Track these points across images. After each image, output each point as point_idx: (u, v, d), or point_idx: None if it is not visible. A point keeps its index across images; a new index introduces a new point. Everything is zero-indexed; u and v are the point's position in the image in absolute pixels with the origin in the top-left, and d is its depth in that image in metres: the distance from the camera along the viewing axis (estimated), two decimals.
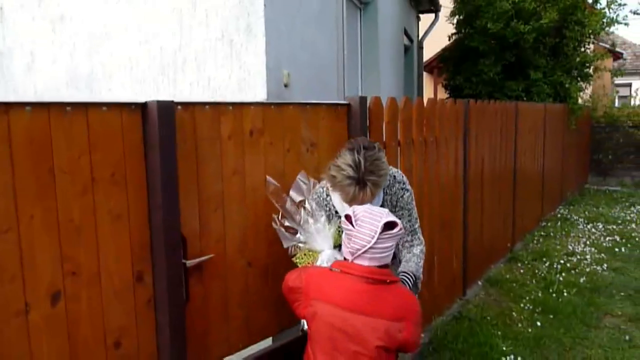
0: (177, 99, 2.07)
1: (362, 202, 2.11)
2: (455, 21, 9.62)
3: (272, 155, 2.47)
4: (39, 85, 3.56)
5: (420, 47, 12.75)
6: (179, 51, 3.14)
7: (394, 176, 2.43)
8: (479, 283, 4.96)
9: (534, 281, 5.08)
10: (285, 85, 3.25)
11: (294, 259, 2.35)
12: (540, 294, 4.72)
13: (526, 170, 6.52)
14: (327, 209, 2.37)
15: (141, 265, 2.00)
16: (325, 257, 2.25)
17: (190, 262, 2.12)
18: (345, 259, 2.02)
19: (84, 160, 1.82)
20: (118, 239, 1.92)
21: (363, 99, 2.89)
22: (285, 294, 2.17)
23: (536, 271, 5.36)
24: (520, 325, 4.10)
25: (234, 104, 2.30)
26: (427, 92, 15.85)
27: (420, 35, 12.69)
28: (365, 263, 1.93)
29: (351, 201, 2.13)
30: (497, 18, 8.12)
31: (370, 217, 1.95)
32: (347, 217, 1.99)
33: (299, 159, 2.62)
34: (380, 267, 1.95)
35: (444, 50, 10.21)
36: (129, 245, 1.96)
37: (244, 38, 2.98)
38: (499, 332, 3.91)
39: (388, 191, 2.40)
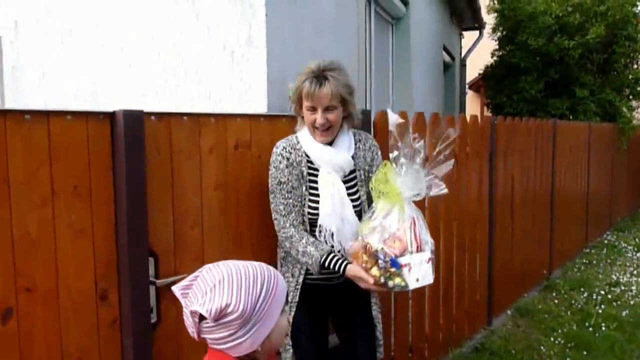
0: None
1: (319, 101, 2.03)
2: (497, 37, 9.31)
3: (260, 170, 2.34)
4: (48, 99, 3.59)
5: (463, 65, 12.48)
6: (181, 63, 3.08)
7: (366, 133, 2.35)
8: (508, 312, 4.64)
9: (569, 313, 4.71)
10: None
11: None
12: (575, 327, 4.36)
13: (566, 192, 6.13)
14: (299, 161, 2.13)
15: (106, 284, 1.90)
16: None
17: (161, 282, 2.00)
18: None
19: (43, 171, 1.74)
20: (80, 255, 1.83)
21: (366, 113, 2.74)
22: None
23: (573, 302, 4.98)
24: None
25: (216, 115, 2.19)
26: (473, 111, 15.47)
27: (464, 52, 12.45)
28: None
29: (307, 97, 2.05)
30: (539, 33, 7.79)
31: (196, 289, 1.29)
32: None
33: None
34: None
35: (486, 67, 9.88)
36: (93, 261, 1.86)
37: (245, 49, 2.89)
38: None
39: (361, 146, 2.25)
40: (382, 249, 1.95)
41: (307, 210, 2.15)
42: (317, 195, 2.14)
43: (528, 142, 4.96)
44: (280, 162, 2.13)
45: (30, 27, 3.64)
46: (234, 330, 1.25)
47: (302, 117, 2.16)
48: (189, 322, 1.28)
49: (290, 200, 2.14)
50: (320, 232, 2.12)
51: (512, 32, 8.57)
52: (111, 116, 1.88)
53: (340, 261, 2.07)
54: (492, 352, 3.83)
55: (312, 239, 2.12)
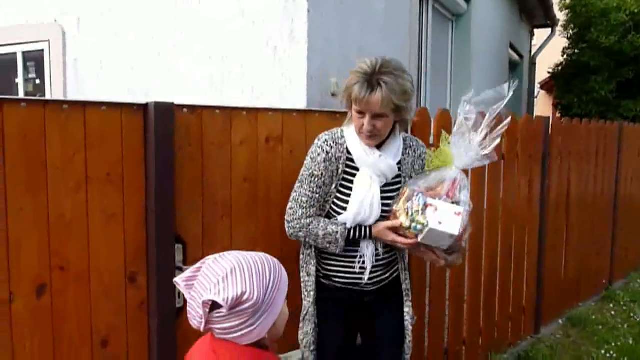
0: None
1: (368, 107, 1.88)
2: (567, 35, 8.91)
3: (292, 164, 2.37)
4: (105, 91, 3.79)
5: (533, 64, 12.00)
6: (227, 59, 3.17)
7: (417, 140, 2.22)
8: (559, 321, 4.44)
9: (626, 325, 4.45)
10: (334, 94, 3.14)
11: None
12: (630, 341, 4.12)
13: (633, 198, 5.79)
14: (338, 157, 2.03)
15: (135, 267, 1.99)
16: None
17: (187, 268, 2.07)
18: None
19: (78, 158, 1.84)
20: (111, 239, 1.93)
21: None
22: None
23: (632, 314, 4.70)
24: None
25: (248, 109, 2.24)
26: (543, 112, 14.85)
27: (534, 51, 11.96)
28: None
29: (356, 102, 1.90)
30: (611, 31, 7.39)
31: (204, 279, 1.32)
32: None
33: None
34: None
35: (556, 66, 9.47)
36: (123, 245, 1.96)
37: (287, 45, 2.94)
38: None
39: (410, 152, 2.13)
40: (418, 193, 1.98)
41: (330, 207, 2.08)
42: (348, 195, 2.04)
43: (588, 145, 4.72)
44: (318, 155, 2.03)
45: (91, 23, 3.86)
46: (246, 319, 1.28)
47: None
48: (196, 313, 1.29)
49: (317, 195, 2.05)
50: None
51: (584, 30, 8.18)
52: (144, 108, 1.97)
53: (364, 227, 2.03)
54: None
55: (329, 220, 2.06)
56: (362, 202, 2.01)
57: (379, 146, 2.04)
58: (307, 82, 2.90)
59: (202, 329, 1.30)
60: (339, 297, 2.14)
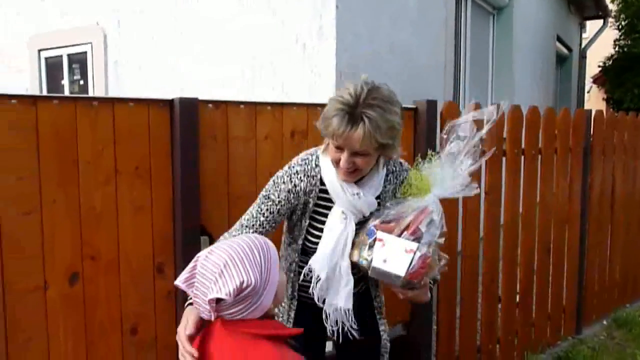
0: None
1: (347, 143, 1.61)
2: (619, 26, 8.57)
3: None
4: (143, 90, 3.92)
5: (583, 57, 11.59)
6: (258, 56, 3.22)
7: (401, 163, 1.92)
8: (604, 322, 4.29)
9: None
10: None
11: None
12: None
13: None
14: (309, 191, 1.81)
15: (163, 257, 2.07)
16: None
17: None
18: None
19: (107, 152, 1.93)
20: (139, 230, 2.00)
21: (431, 103, 2.68)
22: None
23: None
24: None
25: (273, 104, 2.28)
26: (595, 107, 14.32)
27: (584, 44, 11.56)
28: None
29: (333, 136, 1.63)
30: None
31: (202, 278, 1.41)
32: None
33: None
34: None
35: (607, 59, 9.13)
36: (151, 236, 2.04)
37: (316, 41, 2.96)
38: None
39: (392, 179, 1.87)
40: (371, 225, 1.76)
41: (303, 242, 1.87)
42: (321, 230, 1.82)
43: (637, 139, 4.53)
44: (284, 183, 1.81)
45: (130, 26, 4.01)
46: (249, 301, 1.38)
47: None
48: (203, 309, 1.40)
49: (262, 218, 1.81)
50: (309, 271, 1.82)
51: (636, 20, 7.85)
52: (170, 103, 2.03)
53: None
54: None
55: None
56: (337, 242, 1.78)
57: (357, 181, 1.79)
58: (336, 78, 2.92)
59: (212, 319, 1.42)
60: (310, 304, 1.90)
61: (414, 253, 1.67)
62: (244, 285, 1.34)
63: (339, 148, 1.67)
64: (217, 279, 1.36)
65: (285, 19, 3.09)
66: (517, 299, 3.41)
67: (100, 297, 1.94)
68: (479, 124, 1.80)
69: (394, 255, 1.67)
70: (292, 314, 1.94)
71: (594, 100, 17.85)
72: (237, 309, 1.38)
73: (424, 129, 2.67)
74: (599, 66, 9.51)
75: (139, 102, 1.98)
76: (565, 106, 9.89)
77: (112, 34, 4.04)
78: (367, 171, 1.77)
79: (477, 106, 1.89)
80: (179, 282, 1.44)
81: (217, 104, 2.13)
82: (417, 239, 1.70)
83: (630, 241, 4.60)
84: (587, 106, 12.80)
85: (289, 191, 1.81)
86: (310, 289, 1.82)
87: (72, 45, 4.46)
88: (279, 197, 1.81)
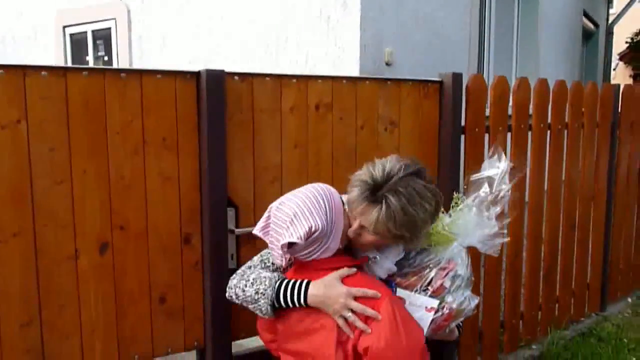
0: None
1: (360, 217, 1.55)
2: None
3: (341, 131, 2.39)
4: (167, 65, 3.93)
5: (610, 33, 11.32)
6: (282, 29, 3.20)
7: None
8: (628, 300, 4.25)
9: None
10: (387, 64, 3.12)
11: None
12: None
13: None
14: None
15: (190, 228, 2.09)
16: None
17: (239, 231, 2.15)
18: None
19: (136, 124, 1.94)
20: (167, 200, 2.03)
21: (457, 76, 2.65)
22: None
23: None
24: None
25: (298, 77, 2.27)
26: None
27: (611, 19, 11.27)
28: None
29: (350, 203, 1.59)
30: None
31: (275, 226, 1.62)
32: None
33: (374, 137, 2.50)
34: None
35: (634, 35, 8.89)
36: (178, 207, 2.06)
37: (340, 14, 2.93)
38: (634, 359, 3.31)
39: None
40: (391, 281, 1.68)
41: None
42: None
43: None
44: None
45: (153, 1, 4.00)
46: (320, 241, 1.58)
47: None
48: (277, 254, 1.62)
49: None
50: None
51: None
52: (197, 75, 2.03)
53: (304, 283, 1.59)
54: (601, 339, 3.56)
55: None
56: None
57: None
58: (360, 51, 2.89)
59: (284, 264, 1.64)
60: None
61: (436, 312, 1.60)
62: (313, 229, 1.53)
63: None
64: (289, 227, 1.55)
65: None
66: (541, 274, 3.39)
67: (130, 267, 1.98)
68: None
69: (414, 313, 1.58)
70: None
71: (620, 77, 17.41)
72: (312, 249, 1.58)
73: (449, 103, 2.64)
74: (627, 42, 9.25)
75: (166, 74, 1.99)
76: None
77: (136, 10, 4.05)
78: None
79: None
80: (257, 230, 1.65)
81: (243, 76, 2.13)
82: (441, 295, 1.63)
83: None
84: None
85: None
86: None
87: (96, 22, 4.48)
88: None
